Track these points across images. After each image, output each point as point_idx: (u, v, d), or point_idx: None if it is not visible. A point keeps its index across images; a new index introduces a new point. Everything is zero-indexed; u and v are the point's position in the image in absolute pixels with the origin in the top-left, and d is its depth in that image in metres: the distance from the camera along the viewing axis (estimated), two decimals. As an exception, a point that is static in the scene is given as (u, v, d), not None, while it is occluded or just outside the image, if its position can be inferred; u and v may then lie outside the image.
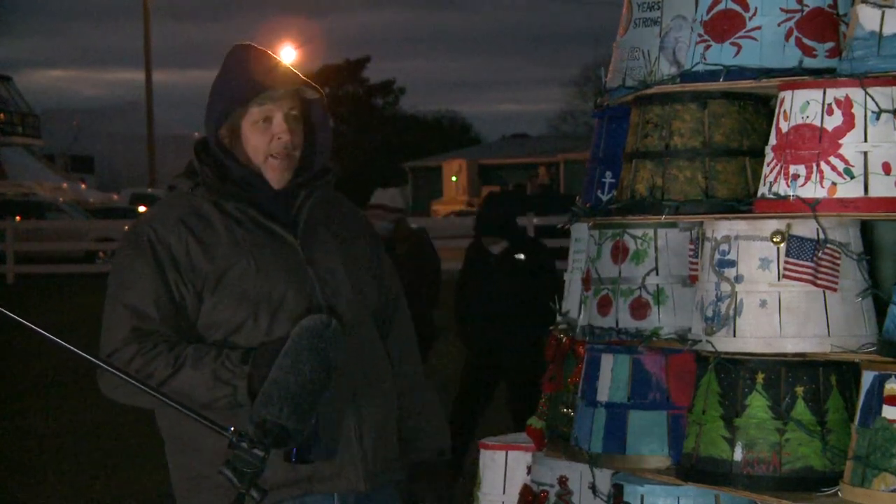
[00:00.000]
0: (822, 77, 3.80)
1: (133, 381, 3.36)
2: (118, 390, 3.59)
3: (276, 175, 3.70)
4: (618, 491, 4.12)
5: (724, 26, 3.98)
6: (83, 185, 50.55)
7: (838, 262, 3.76)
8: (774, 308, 3.76)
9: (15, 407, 12.31)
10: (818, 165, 3.72)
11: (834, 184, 3.70)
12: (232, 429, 3.27)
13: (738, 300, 3.80)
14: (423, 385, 4.03)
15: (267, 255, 3.65)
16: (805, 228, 3.75)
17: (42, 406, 12.38)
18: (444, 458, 4.01)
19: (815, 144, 3.73)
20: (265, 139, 3.69)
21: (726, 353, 3.81)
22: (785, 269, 3.76)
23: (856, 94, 3.70)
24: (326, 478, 3.63)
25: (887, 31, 3.68)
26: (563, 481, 4.33)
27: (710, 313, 3.86)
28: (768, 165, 3.85)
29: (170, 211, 3.70)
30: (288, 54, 64.48)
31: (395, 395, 3.84)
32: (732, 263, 3.82)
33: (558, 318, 4.60)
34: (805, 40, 3.92)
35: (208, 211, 3.68)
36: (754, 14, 3.95)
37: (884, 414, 3.57)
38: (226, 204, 3.69)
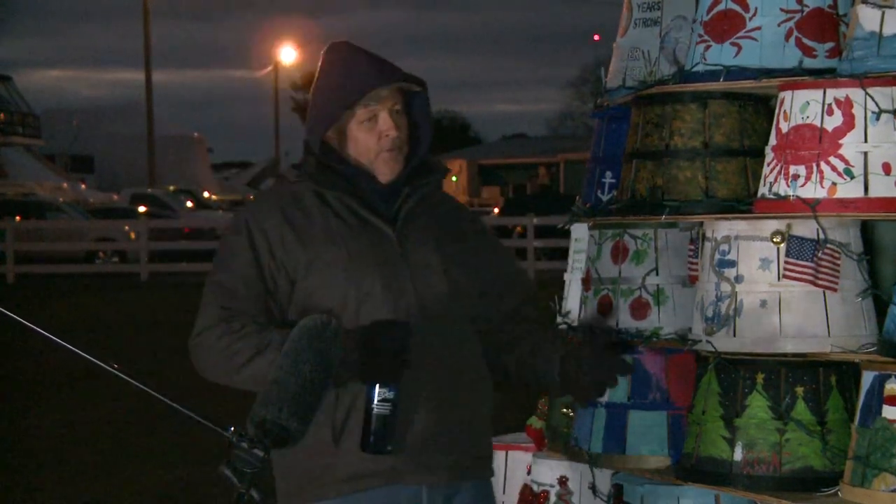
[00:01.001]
0: (822, 77, 3.81)
1: (138, 384, 3.37)
2: (207, 371, 3.64)
3: (386, 168, 3.72)
4: (618, 491, 4.13)
5: (724, 26, 3.98)
6: (83, 185, 50.54)
7: (838, 262, 3.76)
8: (774, 308, 3.76)
9: (15, 407, 12.30)
10: (818, 165, 3.72)
11: (834, 184, 3.70)
12: (232, 429, 3.28)
13: (738, 300, 3.80)
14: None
15: (361, 245, 3.68)
16: (805, 228, 3.75)
17: (42, 406, 12.37)
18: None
19: (815, 144, 3.73)
20: (373, 137, 3.72)
21: (726, 353, 3.81)
22: (785, 269, 3.76)
23: (856, 94, 3.70)
24: (410, 471, 3.62)
25: (887, 31, 3.68)
26: (563, 481, 4.34)
27: (710, 313, 3.86)
28: (768, 165, 3.85)
29: (271, 198, 3.78)
30: (288, 54, 64.63)
31: (489, 391, 3.80)
32: (732, 263, 3.82)
33: (558, 319, 4.60)
34: (805, 40, 3.92)
35: (308, 199, 3.73)
36: (754, 14, 3.95)
37: (884, 414, 3.57)
38: (327, 193, 3.73)
